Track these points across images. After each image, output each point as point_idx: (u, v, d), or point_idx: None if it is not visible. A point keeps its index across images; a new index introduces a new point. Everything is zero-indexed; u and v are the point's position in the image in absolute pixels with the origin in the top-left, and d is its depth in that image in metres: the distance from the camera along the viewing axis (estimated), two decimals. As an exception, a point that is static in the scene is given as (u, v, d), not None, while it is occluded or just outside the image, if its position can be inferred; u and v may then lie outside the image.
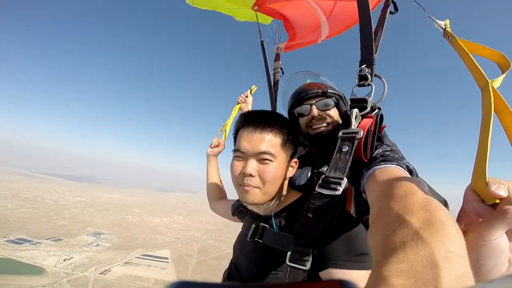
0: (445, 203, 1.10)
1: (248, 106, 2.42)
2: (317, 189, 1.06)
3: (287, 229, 1.12)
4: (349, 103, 1.35)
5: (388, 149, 1.23)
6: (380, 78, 1.36)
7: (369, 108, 1.29)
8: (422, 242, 0.44)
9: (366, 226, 1.21)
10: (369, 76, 1.31)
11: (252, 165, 1.11)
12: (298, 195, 1.27)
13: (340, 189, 1.02)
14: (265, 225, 1.20)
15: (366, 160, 1.18)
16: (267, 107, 2.27)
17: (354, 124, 1.24)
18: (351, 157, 1.10)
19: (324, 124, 1.50)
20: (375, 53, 1.34)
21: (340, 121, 1.51)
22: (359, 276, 0.92)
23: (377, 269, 0.45)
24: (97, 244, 76.82)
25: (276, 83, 2.47)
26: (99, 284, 53.52)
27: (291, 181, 1.55)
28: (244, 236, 1.32)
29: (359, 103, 1.30)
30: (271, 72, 2.50)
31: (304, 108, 1.53)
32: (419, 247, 0.43)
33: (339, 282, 0.26)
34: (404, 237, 0.48)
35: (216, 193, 2.04)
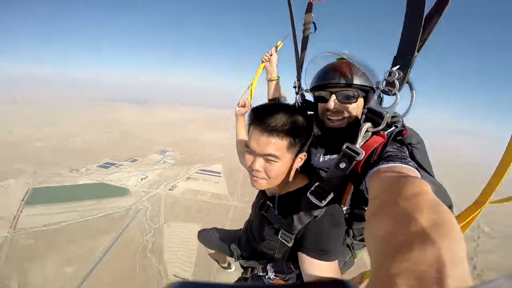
0: (449, 206, 1.27)
1: (273, 66, 2.29)
2: (308, 195, 1.22)
3: (285, 214, 1.37)
4: (365, 111, 1.16)
5: (394, 147, 1.16)
6: (410, 87, 1.05)
7: (383, 125, 1.11)
8: (430, 243, 0.44)
9: (357, 219, 1.49)
10: (397, 83, 1.03)
11: (259, 163, 1.25)
12: (303, 182, 1.43)
13: (324, 202, 1.18)
14: (270, 204, 1.48)
15: (361, 173, 1.19)
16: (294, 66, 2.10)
17: (360, 142, 1.12)
18: (345, 174, 1.14)
19: (340, 118, 1.42)
20: (418, 52, 0.97)
21: (360, 115, 1.38)
22: (319, 264, 1.21)
23: (381, 266, 0.45)
24: (164, 162, 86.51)
25: (305, 41, 2.12)
26: (169, 200, 61.26)
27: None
28: (256, 203, 1.66)
29: (375, 116, 1.12)
30: (300, 28, 2.11)
31: (323, 94, 1.46)
32: (426, 248, 0.43)
33: (340, 282, 0.27)
34: (411, 236, 0.47)
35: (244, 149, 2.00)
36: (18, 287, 34.14)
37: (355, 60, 1.42)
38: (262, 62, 2.33)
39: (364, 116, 1.15)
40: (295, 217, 1.28)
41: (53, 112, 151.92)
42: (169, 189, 67.05)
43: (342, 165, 1.13)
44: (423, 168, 1.32)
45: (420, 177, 0.99)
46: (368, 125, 1.11)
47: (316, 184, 1.21)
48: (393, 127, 1.17)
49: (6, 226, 45.09)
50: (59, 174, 67.64)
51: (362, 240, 1.61)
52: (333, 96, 1.39)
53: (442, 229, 0.48)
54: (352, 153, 1.10)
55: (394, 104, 1.07)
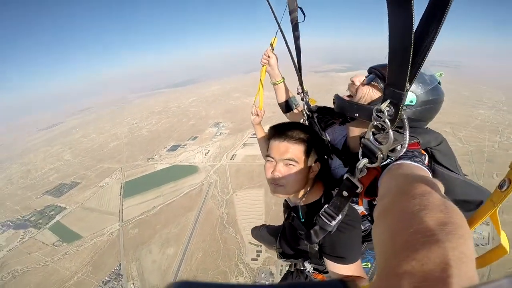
0: (480, 202, 1.27)
1: (274, 69, 2.18)
2: (320, 215, 1.30)
3: (308, 223, 1.48)
4: (361, 145, 1.12)
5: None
6: (404, 126, 0.95)
7: (378, 163, 1.06)
8: (436, 242, 0.42)
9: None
10: (388, 123, 0.95)
11: (280, 168, 1.36)
12: (320, 193, 1.52)
13: (334, 223, 1.27)
14: (294, 215, 1.60)
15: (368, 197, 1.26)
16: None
17: (358, 175, 1.12)
18: (349, 201, 1.22)
19: (349, 94, 1.49)
20: (411, 83, 0.84)
21: (367, 103, 1.39)
22: (341, 267, 1.33)
23: (387, 266, 0.43)
24: (220, 133, 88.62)
25: (296, 33, 1.96)
26: (232, 169, 63.49)
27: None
28: (285, 212, 1.83)
29: (369, 153, 1.08)
30: (284, 17, 1.96)
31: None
32: (432, 247, 0.41)
33: (340, 282, 0.27)
34: (417, 235, 0.46)
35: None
36: (138, 273, 39.76)
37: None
38: (262, 65, 2.16)
39: (361, 150, 1.12)
40: (312, 232, 1.36)
41: (111, 113, 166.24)
42: (231, 159, 68.76)
43: (345, 194, 1.19)
44: (448, 168, 1.30)
45: (428, 175, 0.98)
46: (365, 161, 1.09)
47: (326, 206, 1.29)
48: (388, 160, 1.10)
49: (116, 220, 52.47)
50: (139, 165, 74.59)
51: None
52: (364, 76, 1.47)
53: (448, 228, 0.46)
54: (352, 185, 1.14)
55: (388, 143, 0.99)
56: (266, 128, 1.85)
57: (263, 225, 2.77)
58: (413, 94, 1.26)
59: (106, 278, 39.65)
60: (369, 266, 1.98)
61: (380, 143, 1.02)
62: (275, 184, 1.38)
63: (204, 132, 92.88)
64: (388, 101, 0.91)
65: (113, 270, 40.79)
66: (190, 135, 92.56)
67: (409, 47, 0.72)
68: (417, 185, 0.66)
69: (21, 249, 48.50)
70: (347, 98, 1.44)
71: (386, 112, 0.92)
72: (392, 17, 0.74)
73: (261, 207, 46.96)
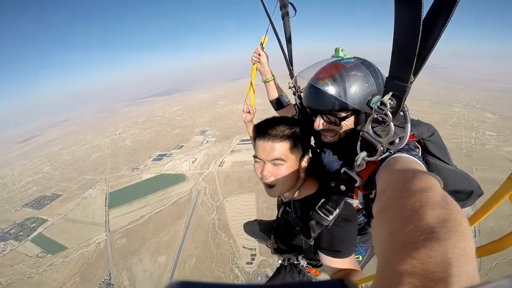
0: (471, 192, 1.32)
1: (265, 66, 2.17)
2: (316, 209, 1.28)
3: (303, 217, 1.49)
4: (360, 138, 1.09)
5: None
6: (405, 118, 0.95)
7: (377, 157, 1.04)
8: (437, 240, 0.41)
9: (370, 214, 1.54)
10: (390, 115, 0.93)
11: (268, 168, 1.35)
12: (314, 187, 1.51)
13: (331, 218, 1.26)
14: (289, 209, 1.61)
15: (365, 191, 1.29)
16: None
17: (356, 169, 1.10)
18: (347, 195, 1.21)
19: (331, 134, 1.42)
20: (415, 75, 0.81)
21: (351, 130, 1.36)
22: (336, 261, 1.34)
23: (387, 265, 0.42)
24: (207, 141, 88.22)
25: (287, 28, 1.96)
26: (221, 176, 63.38)
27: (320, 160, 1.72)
28: (279, 207, 1.80)
29: (369, 146, 1.05)
30: (276, 11, 1.95)
31: (311, 113, 1.47)
32: (433, 245, 0.40)
33: (340, 282, 0.27)
34: (417, 233, 0.44)
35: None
36: (129, 283, 39.02)
37: (344, 72, 1.26)
38: (253, 63, 2.15)
39: (359, 143, 1.09)
40: (309, 227, 1.36)
41: (92, 125, 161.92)
42: (219, 166, 68.79)
43: (343, 188, 1.17)
44: (440, 159, 1.35)
45: (425, 169, 0.98)
46: (363, 154, 1.07)
47: (322, 200, 1.27)
48: (387, 153, 1.10)
49: (102, 230, 51.06)
50: (124, 176, 73.09)
51: None
52: (318, 118, 1.38)
53: (449, 225, 0.45)
54: (350, 179, 1.12)
55: (389, 136, 0.97)
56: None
57: (255, 220, 2.74)
58: (379, 97, 1.22)
59: (97, 288, 38.69)
60: (360, 259, 1.98)
61: (379, 136, 1.01)
62: (267, 185, 1.39)
63: (190, 141, 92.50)
64: (391, 93, 0.89)
65: (103, 280, 39.74)
66: (176, 144, 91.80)
67: (417, 38, 0.70)
68: (417, 181, 0.65)
69: (2, 262, 46.26)
70: (332, 139, 1.42)
71: (388, 104, 0.90)
72: (400, 7, 0.71)
73: (253, 211, 47.31)
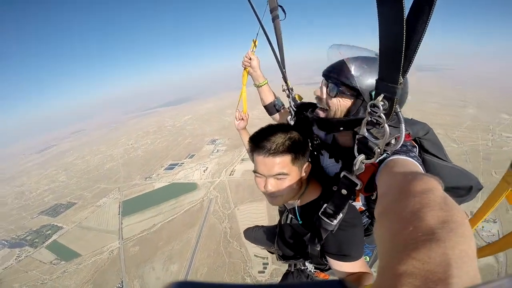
0: (470, 187, 1.33)
1: (256, 71, 2.09)
2: (320, 215, 1.27)
3: (307, 223, 1.47)
4: (356, 141, 1.09)
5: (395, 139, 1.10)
6: (399, 119, 0.94)
7: (376, 159, 1.04)
8: (437, 241, 0.41)
9: (372, 215, 1.53)
10: (384, 117, 0.93)
11: (271, 183, 1.31)
12: (317, 192, 1.48)
13: (335, 221, 1.24)
14: (292, 216, 1.59)
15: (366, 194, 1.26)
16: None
17: (356, 172, 1.09)
18: (349, 198, 1.19)
19: (322, 107, 1.41)
20: (404, 76, 0.82)
21: (341, 114, 1.35)
22: (345, 265, 1.31)
23: (388, 266, 0.43)
24: (217, 150, 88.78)
25: (278, 31, 1.97)
26: (232, 185, 63.27)
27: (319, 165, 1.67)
28: (282, 213, 1.77)
29: (366, 149, 1.05)
30: (266, 15, 1.95)
31: (321, 82, 1.45)
32: (433, 246, 0.40)
33: (340, 282, 0.26)
34: (418, 234, 0.45)
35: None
36: None
37: (374, 59, 1.24)
38: (244, 68, 2.08)
39: (356, 147, 1.09)
40: (314, 233, 1.35)
41: (105, 135, 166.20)
42: (230, 175, 68.82)
43: (344, 192, 1.16)
44: (436, 156, 1.36)
45: (423, 171, 0.99)
46: (362, 157, 1.06)
47: (325, 206, 1.26)
48: (385, 154, 1.11)
49: (116, 238, 51.33)
50: (137, 185, 73.89)
51: None
52: (324, 87, 1.37)
53: (449, 226, 0.45)
54: (351, 183, 1.11)
55: (384, 137, 0.97)
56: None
57: (256, 226, 2.67)
58: None
59: (109, 296, 38.40)
60: (368, 260, 1.97)
61: (376, 137, 1.02)
62: (271, 196, 1.36)
63: (201, 150, 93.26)
64: (382, 95, 0.89)
65: (115, 287, 39.63)
66: (187, 153, 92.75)
67: (401, 39, 0.71)
68: (417, 183, 0.65)
69: (17, 268, 46.99)
70: (323, 114, 1.39)
71: (381, 106, 0.90)
72: (382, 8, 0.73)
73: (264, 220, 46.78)
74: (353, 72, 1.22)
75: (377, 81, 0.90)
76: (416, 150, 1.28)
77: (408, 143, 1.23)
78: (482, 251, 1.32)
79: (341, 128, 1.33)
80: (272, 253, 2.40)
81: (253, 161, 1.94)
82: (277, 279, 35.58)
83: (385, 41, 0.78)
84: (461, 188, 1.38)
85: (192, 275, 39.82)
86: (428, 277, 0.35)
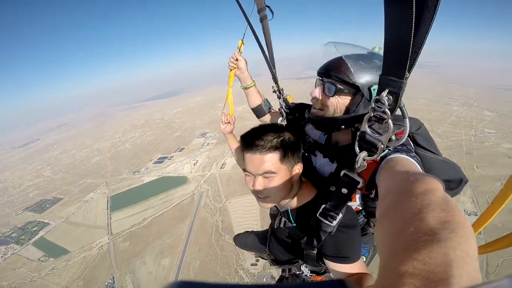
0: (460, 180, 1.35)
1: (244, 72, 2.04)
2: (318, 217, 1.23)
3: (302, 227, 1.43)
4: (357, 138, 1.06)
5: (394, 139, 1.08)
6: (403, 114, 0.95)
7: (378, 156, 1.02)
8: (438, 242, 0.41)
9: (371, 215, 1.53)
10: (388, 112, 0.91)
11: (259, 182, 1.27)
12: (311, 193, 1.44)
13: (334, 223, 1.21)
14: (285, 219, 1.52)
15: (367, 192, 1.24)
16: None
17: (357, 170, 1.07)
18: (349, 198, 1.16)
19: (319, 107, 1.39)
20: (410, 71, 0.82)
21: (341, 112, 1.34)
22: (344, 267, 1.27)
23: (388, 266, 0.43)
24: (208, 143, 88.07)
25: (266, 31, 1.93)
26: (223, 178, 63.31)
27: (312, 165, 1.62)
28: (275, 217, 1.68)
29: (368, 146, 1.02)
30: (254, 15, 1.88)
31: (316, 81, 1.43)
32: (434, 246, 0.40)
33: (340, 282, 0.26)
34: (419, 235, 0.45)
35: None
36: (133, 286, 38.23)
37: (370, 55, 1.31)
38: (230, 69, 2.01)
39: (357, 143, 1.06)
40: (311, 235, 1.31)
41: (91, 129, 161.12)
42: (221, 168, 68.65)
43: (344, 191, 1.13)
44: (429, 150, 1.38)
45: (422, 170, 1.00)
46: (364, 154, 1.04)
47: (323, 206, 1.22)
48: (387, 151, 1.09)
49: (105, 233, 50.39)
50: (125, 179, 72.50)
51: None
52: (319, 87, 1.36)
53: (450, 226, 0.44)
54: (352, 182, 1.09)
55: (388, 133, 0.95)
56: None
57: (246, 232, 2.59)
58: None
59: (100, 292, 37.87)
60: (364, 260, 1.95)
61: (378, 133, 1.01)
62: (259, 197, 1.33)
63: (191, 143, 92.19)
64: (387, 90, 0.88)
65: (106, 283, 39.02)
66: (176, 146, 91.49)
67: (410, 33, 0.70)
68: (418, 183, 0.65)
69: (4, 266, 45.46)
70: (321, 113, 1.37)
71: (386, 101, 0.89)
72: (390, 5, 0.72)
73: (256, 213, 47.21)
74: (351, 69, 1.22)
75: (381, 76, 0.88)
76: (412, 145, 1.30)
77: (409, 145, 1.22)
78: (489, 246, 1.29)
79: (342, 126, 1.32)
80: (264, 258, 2.29)
81: (240, 164, 1.86)
82: (270, 271, 36.19)
83: (392, 36, 0.76)
84: (453, 181, 1.39)
85: (184, 268, 39.85)
86: (429, 277, 0.35)
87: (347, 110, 1.31)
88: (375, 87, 1.23)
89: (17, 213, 63.53)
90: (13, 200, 71.99)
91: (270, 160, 1.25)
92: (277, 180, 1.27)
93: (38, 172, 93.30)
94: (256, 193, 1.32)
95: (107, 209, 58.46)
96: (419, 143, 1.37)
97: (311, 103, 1.49)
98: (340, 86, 1.28)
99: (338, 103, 1.31)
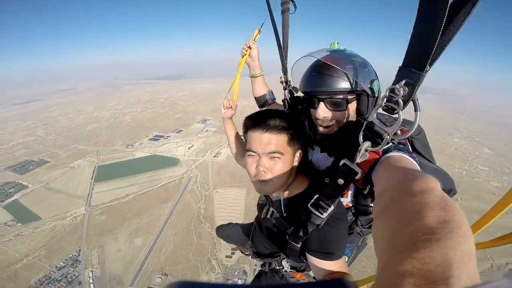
0: (450, 190, 1.35)
1: (255, 60, 2.05)
2: (309, 207, 1.18)
3: (290, 219, 1.38)
4: (364, 127, 1.03)
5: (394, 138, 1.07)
6: (415, 107, 0.93)
7: (382, 146, 1.00)
8: (437, 241, 0.41)
9: (361, 213, 1.51)
10: (401, 103, 0.90)
11: (264, 163, 1.22)
12: (304, 184, 1.39)
13: (325, 214, 1.16)
14: (274, 210, 1.47)
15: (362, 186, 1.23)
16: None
17: (358, 160, 1.03)
18: (344, 189, 1.12)
19: (330, 124, 1.35)
20: (431, 65, 0.81)
21: (354, 118, 1.35)
22: (326, 263, 1.22)
23: (387, 266, 0.43)
24: (206, 130, 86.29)
25: (285, 25, 1.94)
26: (215, 167, 61.44)
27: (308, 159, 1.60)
28: (263, 207, 1.62)
29: (374, 136, 0.99)
30: (277, 8, 1.89)
31: (312, 101, 1.38)
32: (433, 246, 0.40)
33: (340, 282, 0.34)
34: (418, 234, 0.44)
35: (240, 151, 1.94)
36: (98, 262, 36.28)
37: (345, 56, 1.31)
38: (242, 56, 2.02)
39: (362, 133, 1.03)
40: (299, 227, 1.28)
41: (95, 97, 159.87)
42: (214, 156, 66.78)
43: (341, 182, 1.08)
44: (424, 156, 1.39)
45: (419, 169, 0.99)
46: (367, 144, 1.00)
47: (316, 196, 1.18)
48: (390, 144, 1.08)
49: (83, 204, 48.37)
50: (117, 151, 70.82)
51: (370, 227, 1.61)
52: (321, 104, 1.32)
53: (450, 226, 0.44)
54: (351, 172, 1.05)
55: (396, 124, 0.93)
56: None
57: (229, 223, 2.57)
58: (378, 83, 1.30)
59: (61, 263, 35.96)
60: (346, 260, 1.90)
61: (385, 124, 0.98)
62: (261, 181, 1.24)
63: (190, 127, 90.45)
64: (403, 81, 0.86)
65: (70, 255, 37.07)
66: (175, 127, 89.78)
67: (441, 24, 0.69)
68: (417, 182, 0.65)
69: (-36, 225, 43.27)
70: (334, 129, 1.35)
71: (401, 92, 0.87)
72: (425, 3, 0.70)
73: (241, 207, 45.28)
74: (350, 75, 1.25)
75: (400, 68, 0.87)
76: (410, 148, 1.27)
77: (405, 143, 1.22)
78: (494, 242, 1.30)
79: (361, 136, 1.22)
80: (244, 253, 2.27)
81: (233, 149, 1.96)
82: (243, 266, 34.77)
83: (422, 26, 0.75)
84: (444, 190, 1.38)
85: (156, 251, 37.99)
86: (428, 277, 0.35)
87: (359, 113, 1.33)
88: (375, 82, 1.29)
89: (-3, 171, 61.39)
90: (-3, 156, 70.02)
91: (279, 140, 1.22)
92: (282, 162, 1.23)
93: (31, 131, 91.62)
94: (258, 175, 1.24)
95: (92, 179, 56.43)
96: (416, 148, 1.36)
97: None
98: (349, 96, 1.28)
99: (349, 111, 1.30)
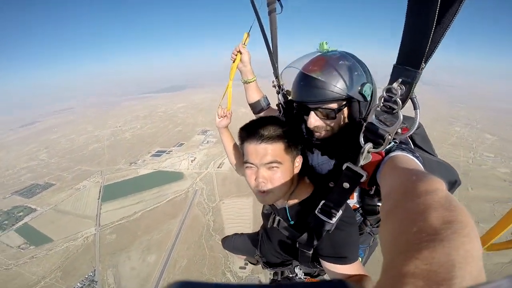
0: (454, 182, 1.36)
1: (247, 66, 1.98)
2: (317, 213, 1.17)
3: (298, 226, 1.35)
4: (363, 129, 1.03)
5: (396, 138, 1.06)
6: (414, 105, 0.92)
7: (384, 147, 0.99)
8: (440, 242, 0.41)
9: (369, 213, 1.50)
10: (399, 102, 0.89)
11: (263, 174, 1.21)
12: (309, 190, 1.38)
13: (334, 219, 1.14)
14: (281, 218, 1.44)
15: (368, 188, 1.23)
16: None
17: (361, 163, 1.03)
18: (351, 193, 1.11)
19: (324, 130, 1.38)
20: (426, 63, 0.81)
21: (347, 122, 1.36)
22: (341, 267, 1.21)
23: (391, 266, 0.42)
24: (207, 141, 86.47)
25: (273, 26, 1.92)
26: (220, 177, 61.83)
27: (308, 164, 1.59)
28: (268, 216, 1.58)
29: (376, 137, 0.99)
30: (264, 9, 1.86)
31: (303, 110, 1.40)
32: (436, 246, 0.40)
33: (340, 282, 0.27)
34: (422, 235, 0.44)
35: (239, 160, 1.89)
36: (114, 281, 36.64)
37: (332, 61, 1.30)
38: (233, 61, 1.96)
39: (363, 134, 1.03)
40: (309, 234, 1.25)
41: (94, 115, 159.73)
42: (218, 167, 67.17)
43: (346, 186, 1.07)
44: (425, 150, 1.40)
45: (422, 169, 0.98)
46: (369, 146, 1.00)
47: (323, 202, 1.16)
48: (392, 143, 1.06)
49: (92, 224, 48.63)
50: (121, 169, 70.97)
51: None
52: (312, 114, 1.33)
53: (453, 226, 0.44)
54: (355, 175, 1.04)
55: (397, 124, 0.92)
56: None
57: (235, 234, 2.48)
58: (370, 86, 1.28)
59: (78, 284, 36.29)
60: (360, 260, 1.85)
61: (385, 124, 0.96)
62: (262, 192, 1.23)
63: (191, 139, 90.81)
64: (400, 80, 0.85)
65: (86, 276, 37.39)
66: (176, 141, 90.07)
67: (432, 23, 0.68)
68: (422, 183, 0.64)
69: (-21, 252, 43.56)
70: (328, 133, 1.37)
71: (399, 91, 0.86)
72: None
73: (249, 216, 45.62)
74: (332, 84, 1.24)
75: (395, 66, 0.86)
76: (411, 145, 1.29)
77: (407, 142, 1.21)
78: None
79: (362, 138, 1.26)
80: (253, 264, 2.17)
81: (231, 160, 1.92)
82: (258, 275, 35.05)
83: (414, 23, 0.74)
84: (449, 183, 1.38)
85: (170, 267, 38.18)
86: (431, 277, 0.35)
87: (351, 118, 1.33)
88: (366, 86, 1.26)
89: (5, 196, 61.65)
90: (3, 182, 70.31)
91: (275, 149, 1.19)
92: (281, 171, 1.21)
93: (34, 155, 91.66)
94: (258, 187, 1.22)
95: (99, 199, 56.73)
96: (416, 142, 1.38)
97: None
98: (338, 105, 1.28)
99: (341, 118, 1.33)
